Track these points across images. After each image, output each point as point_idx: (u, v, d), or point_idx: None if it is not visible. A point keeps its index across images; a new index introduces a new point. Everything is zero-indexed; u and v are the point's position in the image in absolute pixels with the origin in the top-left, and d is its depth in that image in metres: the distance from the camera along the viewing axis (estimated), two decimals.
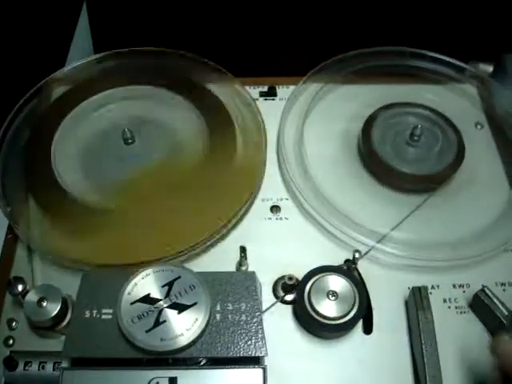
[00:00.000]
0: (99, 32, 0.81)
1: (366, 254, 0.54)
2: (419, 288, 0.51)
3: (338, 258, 0.55)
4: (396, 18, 0.77)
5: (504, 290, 0.54)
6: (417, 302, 0.50)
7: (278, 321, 0.52)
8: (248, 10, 0.76)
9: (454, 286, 0.55)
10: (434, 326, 0.49)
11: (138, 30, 0.79)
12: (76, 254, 0.54)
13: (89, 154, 0.62)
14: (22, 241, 0.57)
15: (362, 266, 0.54)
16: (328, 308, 0.49)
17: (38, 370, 0.49)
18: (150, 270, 0.47)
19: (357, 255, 0.52)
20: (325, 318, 0.49)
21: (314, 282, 0.51)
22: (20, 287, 0.50)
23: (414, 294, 0.51)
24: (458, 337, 0.52)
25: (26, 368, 0.49)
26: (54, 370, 0.49)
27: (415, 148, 0.62)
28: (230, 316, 0.46)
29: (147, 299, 0.45)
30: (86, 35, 1.02)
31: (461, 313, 0.53)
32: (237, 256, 0.54)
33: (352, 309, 0.50)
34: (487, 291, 0.51)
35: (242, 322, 0.46)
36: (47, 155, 0.61)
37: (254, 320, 0.46)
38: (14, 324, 0.52)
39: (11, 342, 0.51)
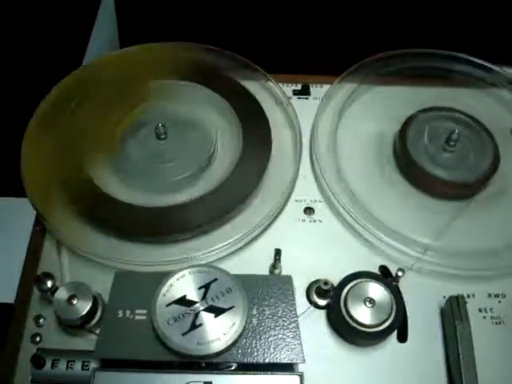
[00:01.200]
0: (125, 23, 0.80)
1: (409, 269, 0.53)
2: (457, 297, 0.50)
3: (372, 263, 0.54)
4: (428, 21, 0.76)
5: None
6: (454, 312, 0.49)
7: (311, 326, 0.51)
8: (284, 5, 0.74)
9: (490, 296, 0.54)
10: (472, 337, 0.48)
11: (166, 22, 0.78)
12: (105, 249, 0.53)
13: (120, 147, 0.60)
14: (50, 234, 0.55)
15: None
16: (364, 315, 0.48)
17: (66, 368, 0.48)
18: (185, 271, 0.46)
19: (400, 273, 0.51)
20: (360, 324, 0.48)
21: (351, 288, 0.49)
22: (49, 283, 0.49)
23: (451, 303, 0.50)
24: (493, 347, 0.51)
25: (54, 366, 0.48)
26: (82, 369, 0.48)
27: (451, 153, 0.60)
28: (266, 321, 0.45)
29: (183, 301, 0.45)
30: (108, 26, 1.01)
31: (496, 323, 0.52)
32: (269, 258, 0.53)
33: (388, 318, 0.48)
34: None
35: (278, 328, 0.45)
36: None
37: (291, 325, 0.45)
38: (41, 321, 0.51)
39: (38, 339, 0.50)
